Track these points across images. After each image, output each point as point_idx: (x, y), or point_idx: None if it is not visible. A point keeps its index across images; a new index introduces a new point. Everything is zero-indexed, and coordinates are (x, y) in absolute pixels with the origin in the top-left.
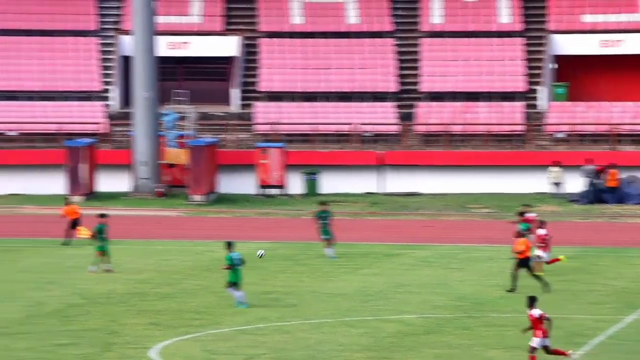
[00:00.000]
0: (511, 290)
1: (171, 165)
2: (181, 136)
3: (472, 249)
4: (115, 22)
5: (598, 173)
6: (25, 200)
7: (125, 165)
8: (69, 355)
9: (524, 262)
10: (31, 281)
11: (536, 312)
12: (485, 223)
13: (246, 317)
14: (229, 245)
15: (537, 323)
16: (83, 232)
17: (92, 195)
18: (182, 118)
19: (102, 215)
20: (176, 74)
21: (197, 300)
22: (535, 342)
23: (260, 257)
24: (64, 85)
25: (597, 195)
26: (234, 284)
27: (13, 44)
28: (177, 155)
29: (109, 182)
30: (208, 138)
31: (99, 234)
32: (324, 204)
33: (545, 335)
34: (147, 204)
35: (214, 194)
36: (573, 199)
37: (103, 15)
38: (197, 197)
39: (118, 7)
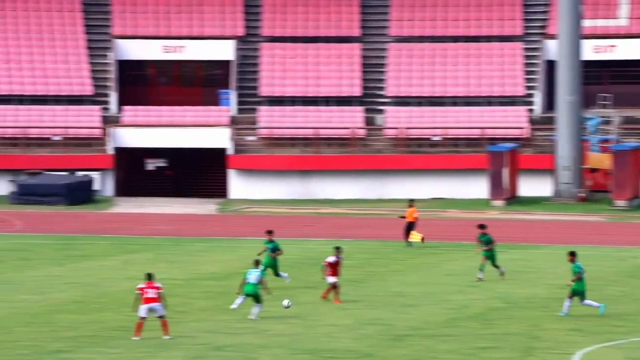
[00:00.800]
0: None
1: (594, 170)
2: (605, 140)
3: None
4: (541, 27)
5: None
6: (448, 205)
7: (547, 170)
8: (490, 358)
9: None
10: (454, 284)
11: None
12: None
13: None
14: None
15: None
16: (414, 237)
17: (514, 200)
18: (606, 122)
19: (482, 227)
20: (601, 78)
21: (620, 307)
22: None
23: None
24: (488, 91)
25: None
26: (579, 292)
27: (435, 50)
28: (601, 159)
29: (530, 186)
30: (633, 142)
31: (482, 244)
32: None
33: None
34: (569, 208)
35: (638, 199)
36: None
37: (528, 20)
38: (621, 202)
39: (544, 12)
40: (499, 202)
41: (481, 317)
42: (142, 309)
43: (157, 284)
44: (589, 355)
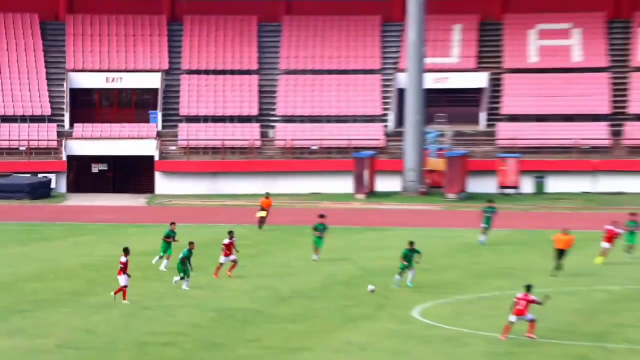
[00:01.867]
0: None
1: (432, 171)
2: (440, 149)
3: None
4: (394, 63)
5: None
6: (322, 197)
7: (397, 171)
8: (352, 312)
9: None
10: (326, 259)
11: None
12: None
13: (486, 287)
14: (410, 243)
15: None
16: (260, 213)
17: (372, 194)
18: (442, 135)
19: (321, 216)
20: (439, 101)
21: (450, 274)
22: None
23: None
24: (354, 111)
25: None
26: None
27: (318, 80)
28: (437, 163)
29: (384, 183)
30: (461, 150)
31: (315, 230)
32: (491, 201)
33: None
34: (413, 200)
35: (464, 193)
36: None
37: (385, 58)
38: (452, 195)
39: (396, 52)
40: (361, 196)
41: (346, 283)
42: (122, 279)
43: (124, 259)
44: (426, 310)
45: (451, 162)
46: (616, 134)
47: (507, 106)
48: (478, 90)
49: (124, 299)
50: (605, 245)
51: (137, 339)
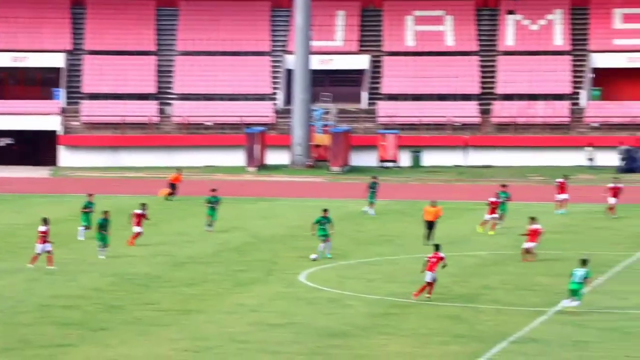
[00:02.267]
0: None
1: (318, 146)
2: (325, 125)
3: (529, 205)
4: (283, 45)
5: (637, 150)
6: (216, 170)
7: (286, 146)
8: (243, 276)
9: None
10: (221, 227)
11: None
12: (539, 187)
13: (367, 253)
14: (324, 210)
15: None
16: (162, 192)
17: (263, 167)
18: (327, 112)
19: (213, 190)
20: (323, 81)
21: (333, 241)
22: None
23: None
24: (246, 90)
25: (634, 165)
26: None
27: (212, 61)
28: (322, 138)
29: (274, 157)
30: (344, 126)
31: (209, 204)
32: (375, 177)
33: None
34: (301, 173)
35: (347, 166)
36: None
37: (274, 41)
38: (336, 169)
39: (285, 35)
40: (252, 169)
41: (238, 249)
42: (39, 247)
43: (43, 228)
44: (311, 274)
45: (335, 138)
46: (485, 112)
47: (387, 86)
48: (360, 72)
49: (50, 264)
50: (488, 217)
51: (40, 302)
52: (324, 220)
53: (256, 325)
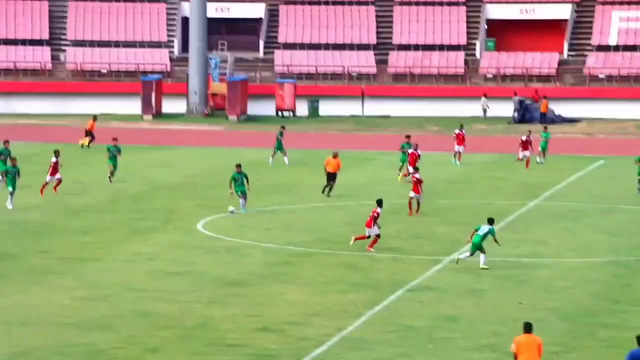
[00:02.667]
0: None
1: (215, 94)
2: (222, 74)
3: (427, 155)
4: None
5: (533, 101)
6: (113, 118)
7: (183, 94)
8: (139, 225)
9: None
10: (116, 175)
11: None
12: (436, 137)
13: (265, 202)
14: (238, 166)
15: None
16: (83, 140)
17: (159, 115)
18: (223, 61)
19: (114, 139)
20: (220, 30)
21: (229, 190)
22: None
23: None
24: (141, 37)
25: (526, 116)
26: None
27: (106, 8)
28: (220, 87)
29: (171, 106)
30: (241, 75)
31: (109, 152)
32: (283, 127)
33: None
34: (198, 121)
35: (244, 115)
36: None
37: None
38: (233, 117)
39: None
40: (148, 117)
41: (135, 198)
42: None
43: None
44: (208, 222)
45: (232, 87)
46: (381, 62)
47: (284, 35)
48: (257, 20)
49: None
50: (411, 169)
51: None
52: (238, 177)
53: (153, 273)
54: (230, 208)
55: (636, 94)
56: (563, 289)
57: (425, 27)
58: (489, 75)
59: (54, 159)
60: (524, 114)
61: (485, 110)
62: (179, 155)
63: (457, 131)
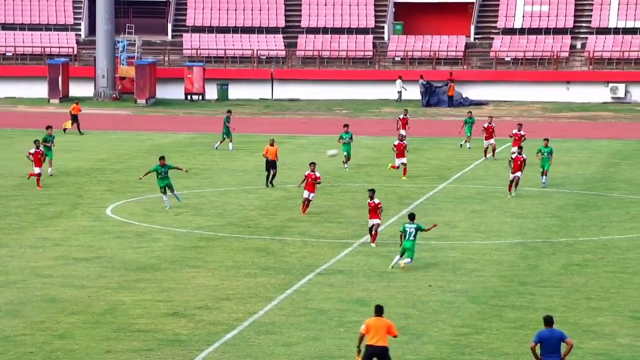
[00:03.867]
0: None
1: (123, 78)
2: (130, 57)
3: (335, 139)
4: None
5: (441, 85)
6: (19, 102)
7: (91, 78)
8: (46, 210)
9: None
10: (23, 159)
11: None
12: (344, 120)
13: (175, 186)
14: (161, 159)
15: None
16: (66, 124)
17: (66, 98)
18: (131, 44)
19: (48, 127)
20: (127, 13)
21: (140, 174)
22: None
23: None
24: (46, 19)
25: (433, 99)
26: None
27: None
28: (128, 70)
29: (78, 89)
30: (150, 59)
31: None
32: (229, 112)
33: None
34: (106, 105)
35: (153, 98)
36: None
37: None
38: (141, 101)
39: None
40: (55, 100)
41: (42, 182)
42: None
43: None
44: (117, 207)
45: (140, 70)
46: (290, 45)
47: (192, 18)
48: (165, 3)
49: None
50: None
51: None
52: (162, 170)
53: (61, 259)
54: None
55: (541, 76)
56: (472, 271)
57: (333, 10)
58: (397, 59)
59: (33, 150)
60: (431, 97)
61: (400, 93)
62: (87, 140)
63: (401, 116)
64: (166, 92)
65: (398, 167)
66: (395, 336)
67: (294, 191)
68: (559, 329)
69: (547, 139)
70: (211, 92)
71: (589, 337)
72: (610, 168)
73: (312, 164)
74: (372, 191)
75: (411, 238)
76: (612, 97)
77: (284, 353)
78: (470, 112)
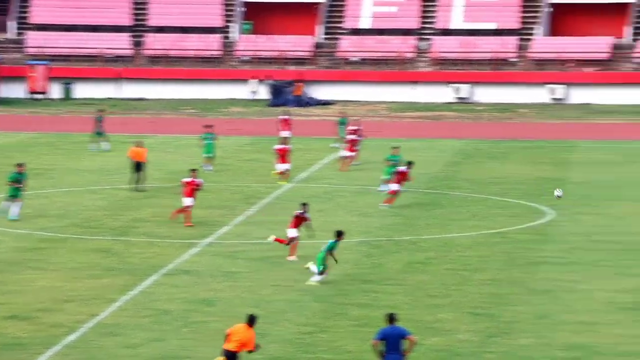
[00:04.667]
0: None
1: None
2: None
3: (181, 138)
4: None
5: (288, 85)
6: None
7: None
8: None
9: None
10: None
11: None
12: (191, 120)
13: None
14: (19, 165)
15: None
16: None
17: None
18: None
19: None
20: None
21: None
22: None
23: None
24: None
25: (281, 99)
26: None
27: None
28: None
29: None
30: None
31: None
32: (102, 111)
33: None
34: None
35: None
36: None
37: None
38: None
39: None
40: None
41: None
42: None
43: None
44: None
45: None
46: (137, 44)
47: (36, 15)
48: (7, 0)
49: None
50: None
51: None
52: (20, 177)
53: None
54: (557, 192)
55: (387, 77)
56: None
57: (181, 10)
58: (246, 58)
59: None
60: (278, 98)
61: (254, 93)
62: None
63: (282, 117)
64: (8, 91)
65: (284, 173)
66: (250, 351)
67: (144, 190)
68: (401, 326)
69: (396, 147)
70: (55, 90)
71: (430, 333)
72: (453, 167)
73: (194, 170)
74: (305, 205)
75: (323, 249)
76: (455, 97)
77: (127, 355)
78: (344, 112)
